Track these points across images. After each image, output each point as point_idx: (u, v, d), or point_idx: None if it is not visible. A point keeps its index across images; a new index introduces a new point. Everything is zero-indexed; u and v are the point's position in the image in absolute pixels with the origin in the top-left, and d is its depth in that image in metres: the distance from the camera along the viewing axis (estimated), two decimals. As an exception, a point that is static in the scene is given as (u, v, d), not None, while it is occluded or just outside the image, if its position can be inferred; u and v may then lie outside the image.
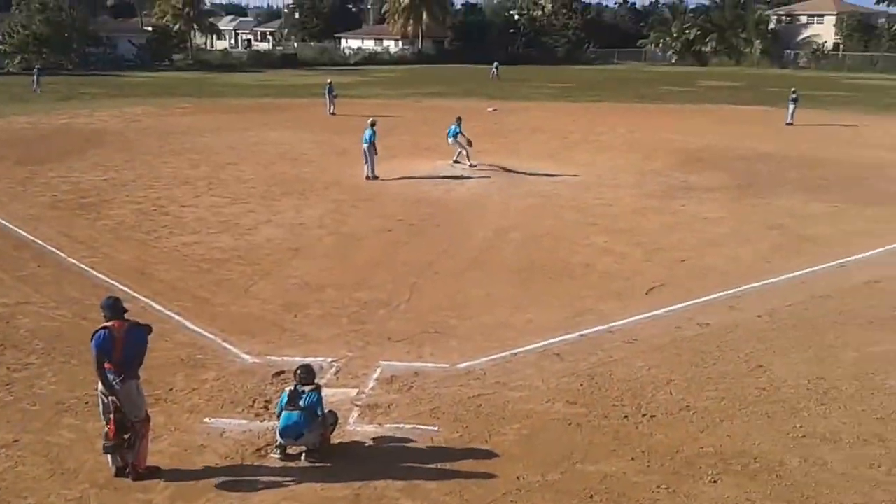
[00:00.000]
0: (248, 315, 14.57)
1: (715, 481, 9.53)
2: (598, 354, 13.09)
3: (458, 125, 29.54)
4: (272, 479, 9.51)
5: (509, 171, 28.76)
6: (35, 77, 56.45)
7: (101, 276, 16.55)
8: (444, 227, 21.01)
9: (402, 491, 9.28)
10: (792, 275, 17.20)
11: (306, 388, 9.84)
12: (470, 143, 29.31)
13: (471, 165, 29.01)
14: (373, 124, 27.65)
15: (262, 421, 10.71)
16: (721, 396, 11.66)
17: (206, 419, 10.81)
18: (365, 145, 27.27)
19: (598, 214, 22.50)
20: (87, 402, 11.19)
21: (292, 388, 9.90)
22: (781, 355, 13.14)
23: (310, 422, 9.69)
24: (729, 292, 16.01)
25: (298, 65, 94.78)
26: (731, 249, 19.13)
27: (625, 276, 17.03)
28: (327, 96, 46.15)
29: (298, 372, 10.02)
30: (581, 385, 11.98)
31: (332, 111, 45.74)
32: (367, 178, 27.09)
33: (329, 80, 48.08)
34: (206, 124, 40.66)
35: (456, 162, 29.58)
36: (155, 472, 9.46)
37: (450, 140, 29.58)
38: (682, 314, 14.85)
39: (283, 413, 9.75)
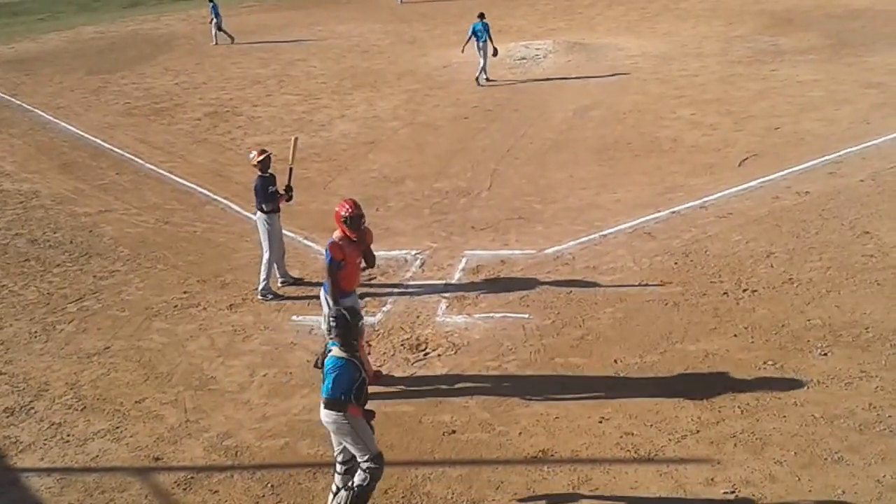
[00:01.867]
0: (329, 212, 14.15)
1: (825, 354, 9.05)
2: (692, 231, 12.52)
3: (486, 24, 23.34)
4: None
5: (586, 47, 27.58)
6: None
7: (179, 179, 16.56)
8: (522, 111, 20.32)
9: (497, 380, 9.07)
10: (894, 134, 16.12)
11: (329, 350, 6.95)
12: (496, 52, 23.61)
13: (486, 80, 23.70)
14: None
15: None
16: (826, 266, 11.04)
17: (294, 317, 10.73)
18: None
19: (683, 86, 21.43)
20: (175, 306, 11.24)
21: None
22: (889, 220, 12.36)
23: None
24: (828, 158, 15.10)
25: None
26: (828, 112, 18.02)
27: (715, 148, 16.22)
28: None
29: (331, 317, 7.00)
30: (675, 263, 11.49)
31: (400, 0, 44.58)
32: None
33: None
34: (273, 21, 40.08)
35: (488, 80, 23.78)
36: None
37: (480, 43, 23.32)
38: (778, 184, 14.08)
39: None
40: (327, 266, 8.63)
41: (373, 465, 6.86)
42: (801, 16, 30.91)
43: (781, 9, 32.71)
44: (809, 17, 30.45)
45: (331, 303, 8.60)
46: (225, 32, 33.89)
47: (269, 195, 11.11)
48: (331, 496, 7.18)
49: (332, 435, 6.98)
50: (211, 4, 34.08)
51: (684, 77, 22.42)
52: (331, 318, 6.86)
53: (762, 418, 8.06)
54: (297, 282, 11.64)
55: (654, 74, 23.05)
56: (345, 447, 6.96)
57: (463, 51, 24.02)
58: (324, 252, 8.90)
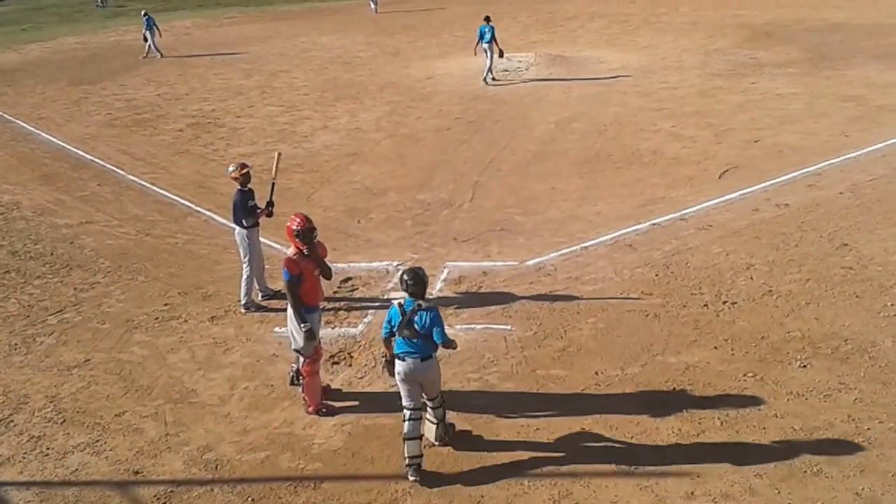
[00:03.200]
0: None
1: (805, 366, 9.11)
2: (673, 243, 12.59)
3: (492, 27, 24.94)
4: (345, 387, 9.38)
5: (568, 60, 27.72)
6: None
7: (161, 191, 16.49)
8: (504, 123, 20.39)
9: (478, 393, 9.07)
10: (872, 147, 16.30)
11: (421, 304, 7.72)
12: (501, 53, 25.12)
13: (492, 79, 25.20)
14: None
15: (332, 328, 10.55)
16: (805, 278, 11.12)
17: (277, 329, 10.69)
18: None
19: (663, 98, 21.59)
20: (156, 319, 11.19)
21: (400, 303, 7.86)
22: (867, 232, 12.48)
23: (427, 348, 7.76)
24: (807, 170, 15.24)
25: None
26: (807, 125, 18.19)
27: (695, 161, 16.33)
28: None
29: (406, 279, 7.81)
30: (656, 275, 11.54)
31: (375, 9, 45.01)
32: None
33: None
34: (255, 33, 40.09)
35: (494, 80, 25.30)
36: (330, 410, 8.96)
37: (484, 45, 24.88)
38: (758, 196, 14.19)
39: (398, 344, 7.81)
40: (286, 284, 8.56)
41: (442, 396, 8.18)
42: (781, 29, 31.26)
43: (761, 22, 33.08)
44: (789, 31, 30.78)
45: (296, 321, 8.59)
46: (155, 47, 33.77)
47: (249, 210, 11.07)
48: (431, 428, 8.15)
49: (411, 386, 7.78)
50: (145, 18, 33.96)
51: (665, 90, 22.58)
52: (407, 278, 7.72)
53: (742, 430, 8.11)
54: (278, 294, 11.59)
55: (634, 87, 23.19)
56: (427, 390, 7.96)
57: (475, 53, 25.54)
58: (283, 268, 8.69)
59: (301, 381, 8.86)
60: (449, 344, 7.79)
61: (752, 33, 30.84)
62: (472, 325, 10.48)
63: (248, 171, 11.08)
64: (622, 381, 9.11)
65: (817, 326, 9.91)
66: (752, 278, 11.25)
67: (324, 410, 8.87)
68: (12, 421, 9.08)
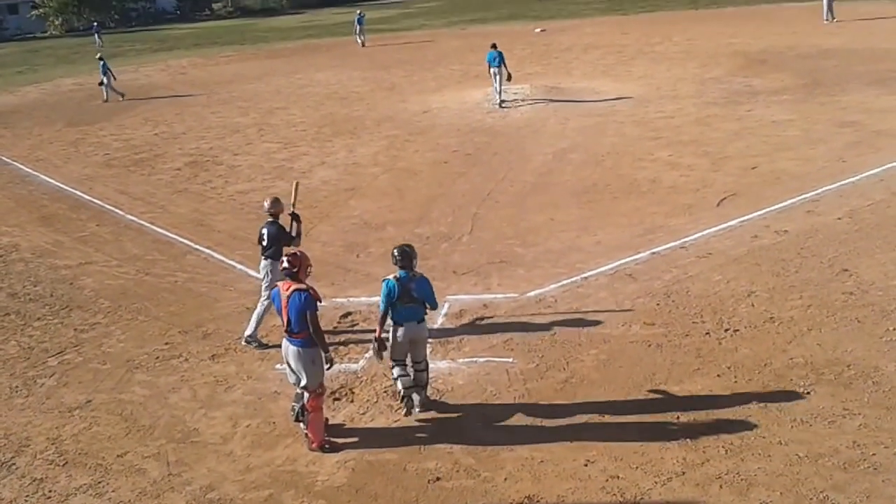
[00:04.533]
0: (310, 258, 14.30)
1: (808, 392, 9.08)
2: (673, 271, 12.60)
3: (500, 52, 26.07)
4: (347, 423, 9.33)
5: (564, 91, 27.89)
6: (96, 34, 57.63)
7: (160, 230, 16.52)
8: (501, 155, 20.49)
9: (482, 426, 9.03)
10: (870, 172, 16.37)
11: (415, 275, 9.04)
12: (510, 76, 26.17)
13: (501, 102, 26.19)
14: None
15: (334, 364, 10.50)
16: (807, 304, 11.12)
17: (278, 365, 10.62)
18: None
19: (660, 128, 21.71)
20: (157, 358, 11.16)
21: (396, 276, 8.98)
22: (866, 257, 12.50)
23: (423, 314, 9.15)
24: (805, 196, 15.29)
25: (339, 2, 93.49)
26: (804, 152, 18.28)
27: (693, 189, 16.39)
28: (357, 27, 46.62)
29: (396, 255, 9.07)
30: (657, 304, 11.54)
31: (362, 42, 46.21)
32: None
33: (359, 11, 48.73)
34: (251, 71, 40.37)
35: (502, 103, 26.25)
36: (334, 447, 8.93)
37: (493, 69, 25.99)
38: (757, 223, 14.23)
39: (399, 312, 8.99)
40: (317, 314, 8.58)
41: (426, 364, 9.37)
42: (774, 57, 31.50)
43: (754, 50, 33.34)
44: (782, 58, 31.02)
45: (322, 352, 8.63)
46: (113, 89, 33.71)
47: (277, 240, 11.03)
48: (415, 396, 9.24)
49: (407, 346, 9.08)
50: (101, 63, 33.79)
51: (661, 119, 22.71)
52: (396, 255, 8.98)
53: (747, 458, 8.06)
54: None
55: (630, 117, 23.33)
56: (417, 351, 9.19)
57: (490, 76, 26.28)
58: (304, 301, 8.59)
59: (306, 417, 8.82)
60: (436, 306, 9.39)
61: (745, 61, 31.07)
62: (475, 359, 10.45)
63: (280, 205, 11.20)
64: (625, 411, 9.07)
65: (820, 352, 9.88)
66: (753, 305, 11.25)
67: (327, 447, 8.82)
68: (14, 464, 9.02)
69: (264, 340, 11.38)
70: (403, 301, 8.95)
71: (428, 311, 9.23)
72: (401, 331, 9.02)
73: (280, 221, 11.17)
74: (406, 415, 9.22)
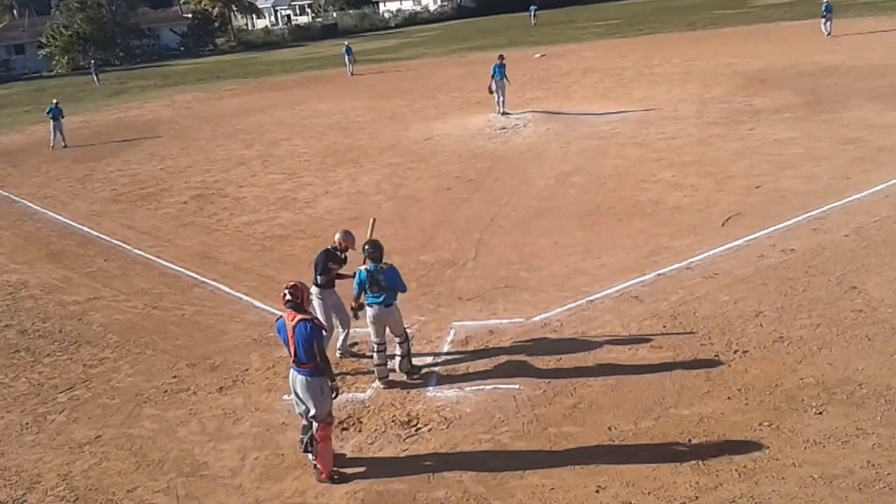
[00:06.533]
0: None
1: (820, 413, 9.00)
2: (679, 293, 12.55)
3: (503, 65, 28.30)
4: (355, 453, 9.29)
5: (564, 115, 27.99)
6: (93, 73, 58.17)
7: (167, 263, 16.55)
8: (504, 180, 20.53)
9: (490, 453, 8.96)
10: (875, 189, 16.32)
11: (383, 267, 10.35)
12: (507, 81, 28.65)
13: (503, 113, 28.11)
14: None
15: (340, 394, 10.46)
16: (816, 323, 11.06)
17: (286, 397, 10.58)
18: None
19: (662, 149, 21.73)
20: (165, 391, 11.15)
21: (367, 268, 10.32)
22: (875, 274, 12.44)
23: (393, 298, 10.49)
24: (810, 214, 15.25)
25: (339, 34, 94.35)
26: (807, 169, 18.27)
27: (698, 209, 16.37)
28: (346, 57, 49.09)
29: (367, 249, 10.36)
30: (664, 326, 11.49)
31: (351, 72, 48.38)
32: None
33: (347, 43, 51.76)
34: (254, 104, 40.63)
35: (505, 113, 28.18)
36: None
37: (496, 81, 27.93)
38: (763, 242, 14.19)
39: (369, 296, 10.39)
40: (323, 346, 8.61)
41: (407, 334, 10.89)
42: (774, 75, 31.58)
43: (754, 70, 33.44)
44: (782, 77, 31.10)
45: (328, 381, 8.62)
46: (61, 135, 33.22)
47: (326, 269, 11.08)
48: (396, 361, 10.71)
49: (378, 326, 10.47)
50: (52, 109, 33.24)
51: (662, 140, 22.75)
52: (368, 248, 10.31)
53: (761, 481, 7.98)
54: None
55: (632, 139, 23.38)
56: (387, 331, 10.57)
57: (490, 91, 28.17)
58: (310, 331, 8.59)
59: (315, 448, 8.78)
60: (405, 289, 10.69)
61: (745, 80, 31.16)
62: (481, 386, 10.41)
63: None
64: (636, 436, 9.00)
65: (831, 372, 9.82)
66: (761, 325, 11.19)
67: (336, 477, 8.77)
68: (25, 501, 8.99)
69: (355, 349, 11.74)
70: (373, 289, 10.30)
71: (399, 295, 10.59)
72: (370, 312, 10.41)
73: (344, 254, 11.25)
74: (380, 379, 10.64)
